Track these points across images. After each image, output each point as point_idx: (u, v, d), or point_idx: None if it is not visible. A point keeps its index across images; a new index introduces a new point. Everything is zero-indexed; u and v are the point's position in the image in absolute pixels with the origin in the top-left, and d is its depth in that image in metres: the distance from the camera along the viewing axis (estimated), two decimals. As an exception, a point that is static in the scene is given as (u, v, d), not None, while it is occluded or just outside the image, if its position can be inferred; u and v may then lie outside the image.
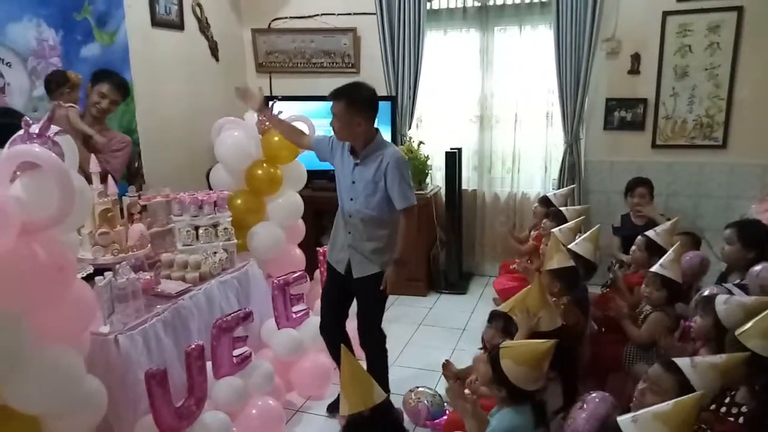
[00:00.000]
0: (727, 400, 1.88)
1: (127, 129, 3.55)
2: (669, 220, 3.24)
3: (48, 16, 3.10)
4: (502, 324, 2.31)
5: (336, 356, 2.52)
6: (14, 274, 1.53)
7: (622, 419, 1.35)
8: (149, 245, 2.74)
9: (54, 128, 1.84)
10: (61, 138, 1.87)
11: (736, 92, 3.87)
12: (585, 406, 1.79)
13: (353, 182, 2.57)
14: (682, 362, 1.67)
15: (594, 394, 1.82)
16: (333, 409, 2.81)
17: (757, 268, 2.34)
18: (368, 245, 2.56)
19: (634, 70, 4.12)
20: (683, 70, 4.01)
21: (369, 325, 2.69)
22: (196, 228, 2.95)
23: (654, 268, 2.58)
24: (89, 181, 2.44)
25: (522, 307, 2.21)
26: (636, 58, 4.09)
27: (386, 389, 2.54)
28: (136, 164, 3.65)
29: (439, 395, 2.68)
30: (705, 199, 4.09)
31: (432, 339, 3.40)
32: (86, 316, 1.88)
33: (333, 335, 2.72)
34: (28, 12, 2.99)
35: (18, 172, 1.62)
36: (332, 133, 2.60)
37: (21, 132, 1.71)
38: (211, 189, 3.38)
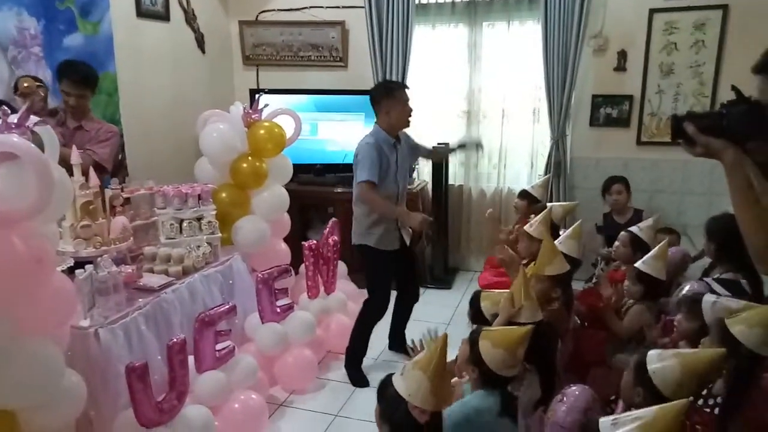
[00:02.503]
0: (705, 392, 1.92)
1: (111, 120, 3.51)
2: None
3: (29, 5, 3.06)
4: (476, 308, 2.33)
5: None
6: (-10, 266, 1.51)
7: (603, 421, 1.35)
8: (132, 238, 2.72)
9: (33, 119, 1.81)
10: (41, 129, 1.85)
11: (720, 90, 3.91)
12: (565, 398, 1.80)
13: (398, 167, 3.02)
14: (651, 352, 1.70)
15: (574, 387, 1.83)
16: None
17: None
18: None
19: (621, 67, 4.14)
20: (669, 68, 4.04)
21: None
22: (180, 221, 2.93)
23: (637, 264, 2.60)
24: (71, 172, 2.40)
25: (507, 295, 2.21)
26: (622, 54, 4.11)
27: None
28: (120, 156, 3.61)
29: None
30: (688, 195, 4.14)
31: (417, 333, 3.39)
32: (66, 309, 1.86)
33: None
34: (8, 0, 2.94)
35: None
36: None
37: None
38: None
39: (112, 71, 3.60)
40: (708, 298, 2.10)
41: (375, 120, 3.05)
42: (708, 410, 1.87)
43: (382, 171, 2.91)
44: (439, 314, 3.92)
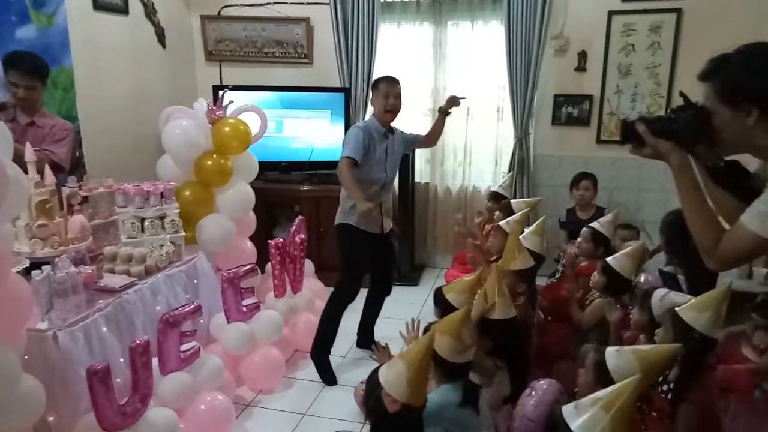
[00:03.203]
0: (660, 379, 2.00)
1: (67, 116, 3.39)
2: None
3: (-22, -5, 2.92)
4: (442, 308, 2.35)
5: None
6: (-60, 267, 1.44)
7: (566, 408, 1.39)
8: (91, 238, 2.64)
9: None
10: (-7, 125, 1.77)
11: (675, 91, 4.05)
12: (533, 392, 1.84)
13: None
14: (609, 349, 1.77)
15: (542, 381, 1.88)
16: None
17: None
18: None
19: (581, 68, 4.24)
20: (627, 69, 4.16)
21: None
22: (142, 220, 2.86)
23: (608, 259, 2.67)
24: (25, 171, 2.31)
25: (481, 292, 2.23)
26: (582, 55, 4.22)
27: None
28: (77, 153, 3.50)
29: None
30: (646, 192, 4.27)
31: (384, 330, 3.42)
32: (22, 311, 1.79)
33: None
34: (-45, -10, 2.81)
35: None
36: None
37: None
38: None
39: (68, 65, 3.48)
40: (657, 293, 2.19)
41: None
42: (663, 395, 1.95)
43: (369, 155, 2.97)
44: (407, 311, 3.90)
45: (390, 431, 1.53)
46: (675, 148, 1.43)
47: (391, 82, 3.08)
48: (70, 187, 2.73)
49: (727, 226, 1.44)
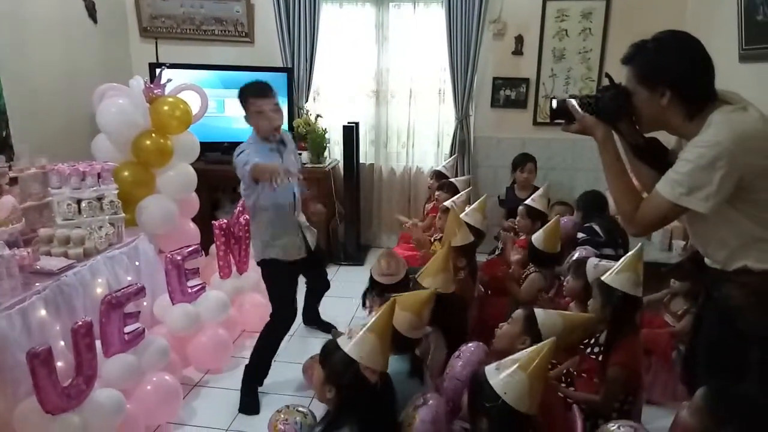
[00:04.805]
0: (592, 341, 2.16)
1: (-9, 95, 3.20)
2: None
3: None
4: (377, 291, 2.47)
5: None
6: None
7: (488, 367, 1.51)
8: (23, 220, 2.53)
9: None
10: None
11: (604, 75, 4.27)
12: (461, 355, 1.96)
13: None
14: (538, 311, 1.96)
15: (470, 345, 2.00)
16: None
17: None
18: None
19: (518, 51, 4.39)
20: (561, 53, 4.34)
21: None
22: (78, 201, 2.77)
23: (532, 236, 2.84)
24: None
25: (426, 272, 2.33)
26: (519, 39, 4.36)
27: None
28: (3, 133, 3.32)
29: (312, 414, 2.05)
30: (578, 172, 4.50)
31: (331, 308, 3.47)
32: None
33: None
34: None
35: None
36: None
37: None
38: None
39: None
40: (591, 261, 2.37)
41: None
42: (594, 357, 2.12)
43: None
44: (352, 290, 3.97)
45: (366, 399, 1.60)
46: (598, 123, 1.58)
47: (263, 95, 2.59)
48: (-2, 167, 2.61)
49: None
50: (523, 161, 4.13)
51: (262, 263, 2.76)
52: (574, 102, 1.59)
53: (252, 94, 2.58)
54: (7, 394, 1.99)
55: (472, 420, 1.56)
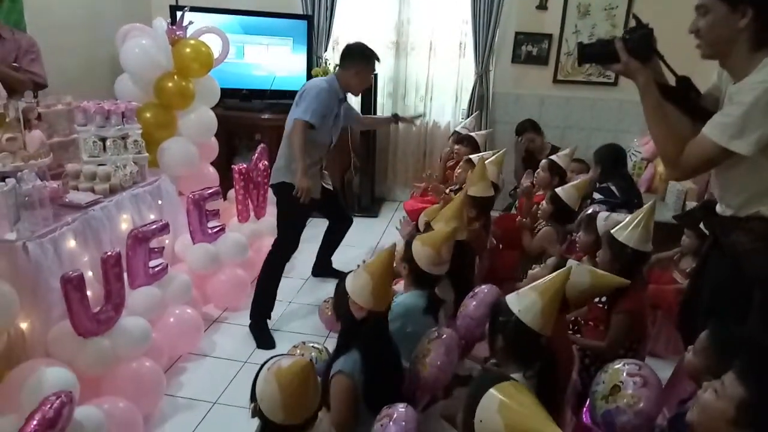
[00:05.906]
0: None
1: (15, 28, 3.21)
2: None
3: None
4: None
5: None
6: None
7: (509, 296, 1.59)
8: (51, 154, 2.59)
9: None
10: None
11: (631, 16, 4.18)
12: (475, 295, 2.03)
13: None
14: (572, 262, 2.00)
15: (483, 287, 2.07)
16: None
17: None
18: None
19: (542, 6, 4.31)
20: (586, 9, 4.26)
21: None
22: (103, 139, 2.82)
23: (557, 189, 2.86)
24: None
25: (440, 216, 2.38)
26: (544, -7, 4.27)
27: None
28: (30, 69, 3.35)
29: (327, 350, 2.13)
30: (597, 132, 4.48)
31: (344, 258, 3.56)
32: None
33: None
34: None
35: None
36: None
37: None
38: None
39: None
40: (602, 215, 2.41)
41: (336, 70, 3.05)
42: (601, 306, 2.18)
43: (324, 119, 2.79)
44: (366, 241, 4.08)
45: (358, 333, 1.67)
46: (642, 68, 1.55)
47: (377, 62, 2.97)
48: (26, 101, 2.65)
49: None
50: (521, 129, 4.15)
51: (281, 186, 2.83)
52: (621, 44, 1.55)
53: (374, 60, 2.90)
54: (41, 317, 2.09)
55: (491, 343, 1.63)
